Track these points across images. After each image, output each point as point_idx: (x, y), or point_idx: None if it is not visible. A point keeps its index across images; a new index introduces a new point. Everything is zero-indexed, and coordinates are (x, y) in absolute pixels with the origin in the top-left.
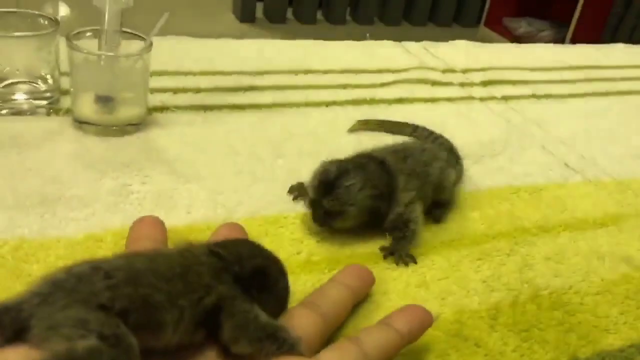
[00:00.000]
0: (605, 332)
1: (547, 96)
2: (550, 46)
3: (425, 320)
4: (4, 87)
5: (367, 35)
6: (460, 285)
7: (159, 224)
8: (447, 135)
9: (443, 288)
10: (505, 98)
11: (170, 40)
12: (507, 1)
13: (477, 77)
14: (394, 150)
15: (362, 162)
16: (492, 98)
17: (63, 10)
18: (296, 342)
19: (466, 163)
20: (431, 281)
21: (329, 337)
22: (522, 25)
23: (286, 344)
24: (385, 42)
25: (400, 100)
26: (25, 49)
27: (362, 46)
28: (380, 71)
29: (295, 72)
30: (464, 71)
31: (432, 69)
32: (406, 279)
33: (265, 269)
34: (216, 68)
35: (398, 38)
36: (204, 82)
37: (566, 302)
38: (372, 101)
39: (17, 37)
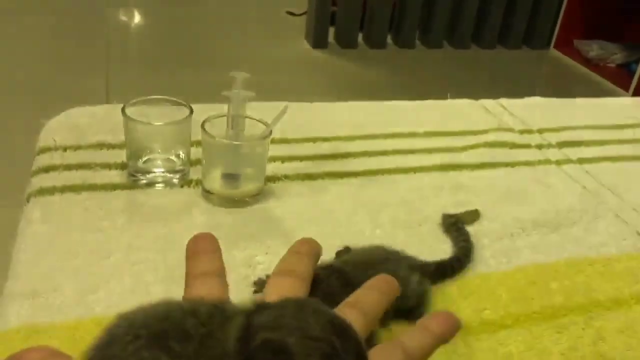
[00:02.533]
0: None
1: (621, 158)
2: (626, 100)
3: (456, 326)
4: (144, 162)
5: (448, 95)
6: (541, 358)
7: (212, 237)
8: (525, 203)
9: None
10: (580, 161)
11: (270, 105)
12: (577, 23)
13: (553, 137)
14: (357, 260)
15: (322, 276)
16: (568, 161)
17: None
18: None
19: (544, 231)
20: (516, 353)
21: None
22: (593, 49)
23: None
24: (464, 101)
25: (482, 166)
26: (165, 132)
27: (442, 106)
28: (462, 133)
29: (384, 137)
30: (540, 131)
31: (510, 129)
32: (493, 354)
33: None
34: (315, 134)
35: (467, 62)
36: (306, 149)
37: None
38: (456, 167)
39: (160, 125)
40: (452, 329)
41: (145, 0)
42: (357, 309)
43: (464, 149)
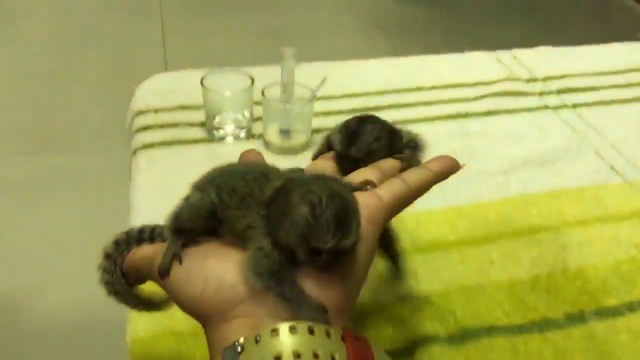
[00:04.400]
0: (606, 294)
1: (611, 102)
2: (627, 45)
3: (454, 165)
4: (218, 121)
5: (466, 46)
6: (514, 261)
7: (259, 154)
8: (520, 144)
9: (505, 264)
10: (575, 105)
11: (315, 66)
12: None
13: (555, 85)
14: None
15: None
16: (564, 106)
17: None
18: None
19: (532, 168)
20: (497, 259)
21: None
22: None
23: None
24: (480, 53)
25: (488, 113)
26: (233, 98)
27: (460, 59)
28: (475, 84)
29: (408, 90)
30: (544, 79)
31: (517, 79)
32: (479, 260)
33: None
34: (350, 91)
35: None
36: (343, 105)
37: (585, 273)
38: (466, 115)
39: (229, 94)
40: (449, 168)
41: None
42: (378, 170)
43: (475, 98)
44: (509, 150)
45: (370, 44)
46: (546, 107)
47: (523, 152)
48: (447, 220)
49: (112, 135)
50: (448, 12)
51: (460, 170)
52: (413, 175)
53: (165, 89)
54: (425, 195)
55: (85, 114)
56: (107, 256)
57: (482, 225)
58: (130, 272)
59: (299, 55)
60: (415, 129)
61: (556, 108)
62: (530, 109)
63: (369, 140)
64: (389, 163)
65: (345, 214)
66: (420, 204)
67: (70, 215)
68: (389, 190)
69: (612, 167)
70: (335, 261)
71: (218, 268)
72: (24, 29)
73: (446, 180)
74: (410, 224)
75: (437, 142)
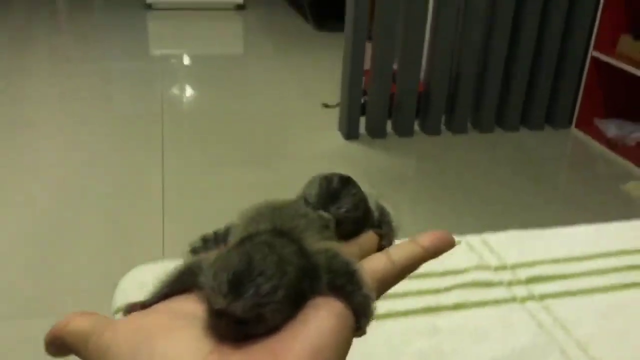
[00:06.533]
0: None
1: (579, 291)
2: (609, 227)
3: (447, 241)
4: None
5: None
6: None
7: None
8: (487, 342)
9: None
10: (542, 297)
11: None
12: (597, 102)
13: (524, 273)
14: None
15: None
16: (531, 297)
17: None
18: None
19: None
20: None
21: None
22: (611, 128)
23: None
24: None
25: (456, 307)
26: None
27: None
28: (445, 274)
29: None
30: (513, 267)
31: (487, 267)
32: None
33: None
34: None
35: (491, 145)
36: None
37: None
38: (435, 309)
39: None
40: (442, 244)
41: (191, 98)
42: (357, 246)
43: (445, 290)
44: (477, 349)
45: None
46: (513, 299)
47: (489, 351)
48: None
49: (102, 303)
50: (439, 167)
51: None
52: (400, 252)
53: (147, 282)
54: None
55: (78, 279)
56: (194, 251)
57: None
58: (54, 342)
59: None
60: (381, 326)
61: (523, 300)
62: (497, 302)
63: (349, 205)
64: (369, 239)
65: (242, 275)
66: None
67: None
68: (370, 269)
69: None
70: (243, 331)
71: (169, 351)
72: (24, 190)
73: None
74: None
75: (404, 342)
